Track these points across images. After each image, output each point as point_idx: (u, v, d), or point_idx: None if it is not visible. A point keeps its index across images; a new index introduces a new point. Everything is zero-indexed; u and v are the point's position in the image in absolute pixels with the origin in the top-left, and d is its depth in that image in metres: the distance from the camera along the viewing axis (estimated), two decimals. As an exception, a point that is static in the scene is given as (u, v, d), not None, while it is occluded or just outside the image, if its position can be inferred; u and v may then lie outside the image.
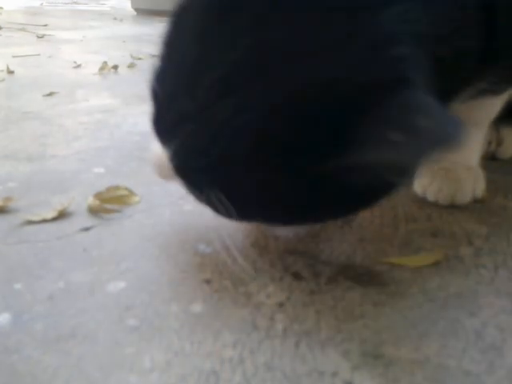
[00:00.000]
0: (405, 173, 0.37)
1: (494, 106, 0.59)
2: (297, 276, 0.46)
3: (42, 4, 3.90)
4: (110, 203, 0.58)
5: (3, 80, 1.25)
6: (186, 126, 0.39)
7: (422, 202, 0.60)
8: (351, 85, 0.35)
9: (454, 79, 0.43)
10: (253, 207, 0.41)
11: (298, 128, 0.35)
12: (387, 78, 0.34)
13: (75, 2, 4.22)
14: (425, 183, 0.60)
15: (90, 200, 0.58)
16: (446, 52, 0.40)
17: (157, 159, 0.43)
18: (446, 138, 0.31)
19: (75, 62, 1.49)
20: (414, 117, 0.32)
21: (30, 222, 0.54)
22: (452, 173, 0.59)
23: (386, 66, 0.35)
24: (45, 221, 0.55)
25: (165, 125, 0.42)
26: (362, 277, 0.46)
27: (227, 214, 0.41)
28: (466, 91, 0.49)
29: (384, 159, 0.35)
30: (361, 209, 0.46)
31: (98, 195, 0.59)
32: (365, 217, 0.57)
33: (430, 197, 0.60)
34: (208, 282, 0.45)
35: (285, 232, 0.53)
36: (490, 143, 0.73)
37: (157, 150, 0.43)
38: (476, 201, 0.60)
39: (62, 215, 0.56)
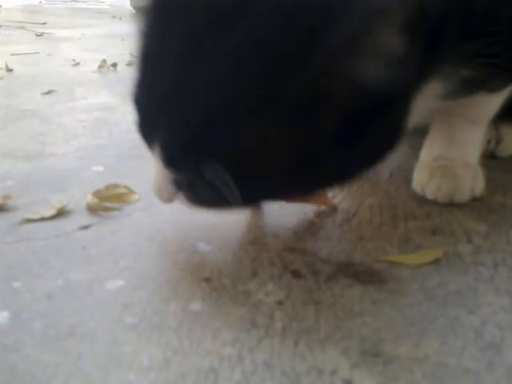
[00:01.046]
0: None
1: (492, 103, 0.59)
2: (296, 274, 0.46)
3: (40, 2, 3.89)
4: (108, 201, 0.58)
5: (2, 78, 1.25)
6: (165, 108, 0.39)
7: (421, 199, 0.60)
8: (302, 14, 0.36)
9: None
10: (253, 172, 0.40)
11: (268, 61, 0.36)
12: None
13: (74, 0, 4.20)
14: (424, 181, 0.60)
15: (89, 198, 0.58)
16: None
17: (156, 183, 0.44)
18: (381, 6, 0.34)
19: (74, 60, 1.48)
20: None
21: (29, 221, 0.54)
22: (451, 170, 0.59)
23: None
24: (43, 219, 0.55)
25: (147, 123, 0.42)
26: (362, 275, 0.46)
27: (231, 195, 0.39)
28: (448, 70, 0.47)
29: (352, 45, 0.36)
30: (370, 161, 0.43)
31: (96, 193, 0.59)
32: (364, 215, 0.57)
33: (429, 195, 0.59)
34: (207, 280, 0.45)
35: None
36: (489, 141, 0.73)
37: (156, 175, 0.43)
38: (475, 199, 0.59)
39: (61, 213, 0.56)
